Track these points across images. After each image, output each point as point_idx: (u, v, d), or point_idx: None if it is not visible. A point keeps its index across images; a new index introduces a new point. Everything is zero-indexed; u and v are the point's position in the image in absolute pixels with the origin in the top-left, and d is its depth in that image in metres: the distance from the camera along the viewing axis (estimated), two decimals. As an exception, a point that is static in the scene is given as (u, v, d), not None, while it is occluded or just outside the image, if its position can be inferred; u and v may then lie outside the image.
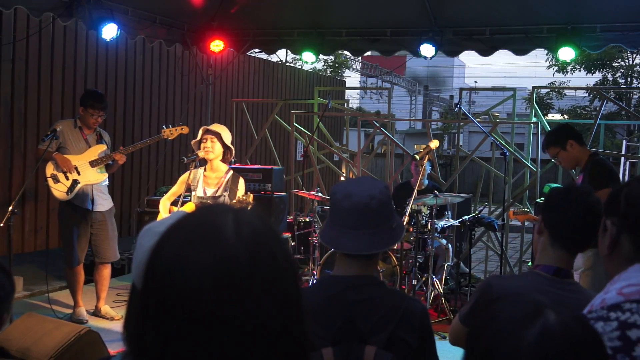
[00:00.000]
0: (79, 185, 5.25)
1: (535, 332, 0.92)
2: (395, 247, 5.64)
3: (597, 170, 4.08)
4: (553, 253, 2.02)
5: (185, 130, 5.47)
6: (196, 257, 0.83)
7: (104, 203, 5.46)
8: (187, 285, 0.82)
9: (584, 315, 1.24)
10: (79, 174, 5.26)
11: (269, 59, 12.26)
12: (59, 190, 5.23)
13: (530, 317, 0.94)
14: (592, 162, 4.17)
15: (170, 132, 5.40)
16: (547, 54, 17.98)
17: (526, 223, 6.51)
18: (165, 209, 4.83)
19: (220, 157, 4.75)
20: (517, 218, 5.11)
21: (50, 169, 5.24)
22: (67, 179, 5.23)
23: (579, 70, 20.61)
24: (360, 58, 26.10)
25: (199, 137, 4.75)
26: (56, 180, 5.23)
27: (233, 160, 7.24)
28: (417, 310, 1.80)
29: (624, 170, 9.45)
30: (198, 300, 0.81)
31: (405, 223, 5.29)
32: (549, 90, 22.17)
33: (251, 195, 4.61)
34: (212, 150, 4.66)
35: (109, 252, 5.48)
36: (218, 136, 4.69)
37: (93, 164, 5.29)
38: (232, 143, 4.82)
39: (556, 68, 20.37)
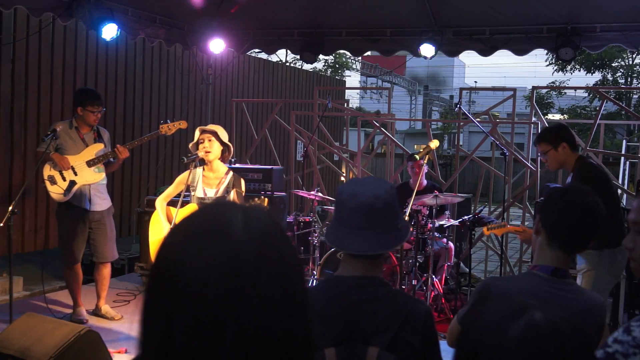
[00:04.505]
0: (76, 186, 5.24)
1: (519, 327, 0.92)
2: (395, 247, 5.64)
3: (583, 176, 4.03)
4: (550, 253, 2.02)
5: (183, 125, 5.33)
6: (203, 252, 0.82)
7: (102, 203, 5.44)
8: (193, 281, 0.81)
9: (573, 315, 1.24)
10: (75, 174, 5.24)
11: (269, 59, 12.26)
12: (56, 192, 5.23)
13: (516, 313, 0.95)
14: (580, 166, 4.12)
15: (169, 128, 5.26)
16: (547, 54, 17.98)
17: (526, 223, 6.51)
18: (162, 209, 4.76)
19: (219, 157, 4.70)
20: (494, 232, 4.53)
21: (47, 171, 5.22)
22: (64, 180, 5.22)
23: (579, 70, 20.62)
24: (360, 58, 26.10)
25: (195, 138, 4.67)
26: (53, 182, 5.22)
27: (233, 159, 7.24)
28: (421, 312, 1.80)
29: (624, 170, 9.45)
30: (203, 296, 0.80)
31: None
32: (549, 89, 22.16)
33: (266, 199, 4.56)
34: (211, 150, 4.59)
35: (107, 252, 5.46)
36: (215, 135, 4.62)
37: (90, 163, 5.26)
38: (230, 142, 4.78)
39: (556, 67, 20.38)
